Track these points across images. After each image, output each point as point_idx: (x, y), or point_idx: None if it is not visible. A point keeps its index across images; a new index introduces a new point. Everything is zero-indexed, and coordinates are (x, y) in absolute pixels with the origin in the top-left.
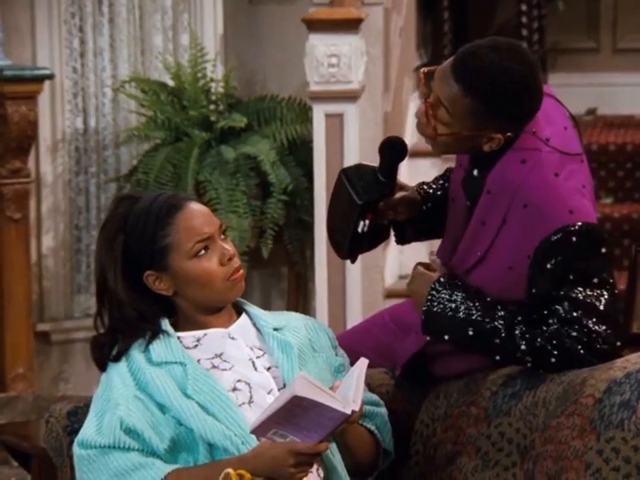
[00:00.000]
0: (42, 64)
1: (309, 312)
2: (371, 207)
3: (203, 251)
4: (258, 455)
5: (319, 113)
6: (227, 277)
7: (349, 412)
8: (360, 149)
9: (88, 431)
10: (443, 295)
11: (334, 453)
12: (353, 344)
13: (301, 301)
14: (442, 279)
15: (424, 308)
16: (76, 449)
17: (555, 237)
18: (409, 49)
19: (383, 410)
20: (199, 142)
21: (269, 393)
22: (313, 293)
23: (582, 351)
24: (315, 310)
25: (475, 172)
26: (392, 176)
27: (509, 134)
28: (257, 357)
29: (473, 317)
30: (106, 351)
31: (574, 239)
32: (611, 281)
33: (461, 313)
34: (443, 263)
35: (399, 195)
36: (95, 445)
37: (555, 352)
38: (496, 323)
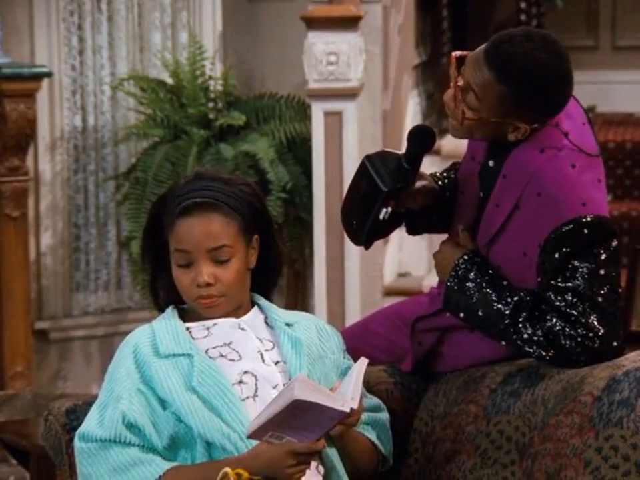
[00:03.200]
0: (40, 62)
1: (308, 310)
2: (395, 194)
3: (182, 262)
4: (255, 455)
5: (317, 111)
6: (194, 299)
7: (347, 410)
8: (359, 147)
9: (90, 423)
10: (463, 273)
11: (334, 459)
12: (354, 342)
13: (299, 299)
14: (466, 257)
15: (447, 283)
16: (77, 442)
17: (567, 228)
18: (408, 47)
19: (384, 415)
20: (198, 140)
21: (274, 388)
22: (312, 291)
23: (578, 351)
24: (313, 308)
25: (491, 163)
26: (417, 164)
27: (535, 125)
28: (266, 350)
29: (485, 299)
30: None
31: (585, 230)
32: (616, 275)
33: (476, 294)
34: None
35: (419, 183)
36: (96, 439)
37: (552, 349)
38: (503, 309)
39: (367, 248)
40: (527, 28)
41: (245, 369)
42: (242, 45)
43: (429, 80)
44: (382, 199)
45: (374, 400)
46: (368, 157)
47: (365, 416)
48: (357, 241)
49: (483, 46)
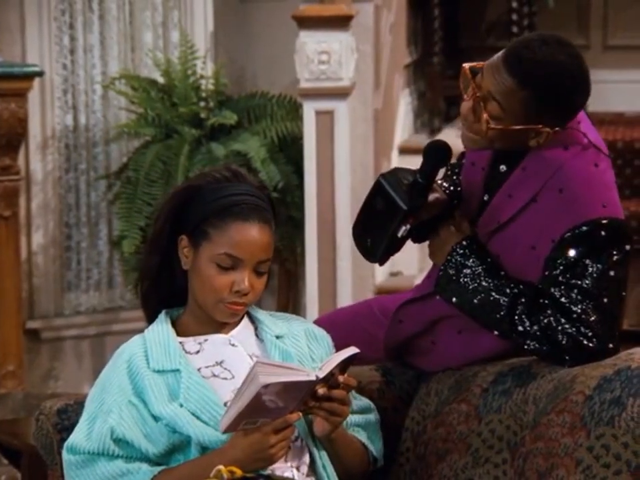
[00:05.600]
0: (32, 61)
1: (300, 309)
2: (414, 211)
3: (226, 265)
4: (235, 445)
5: (309, 110)
6: (223, 301)
7: (313, 378)
8: (350, 146)
9: (78, 436)
10: (461, 259)
11: (324, 461)
12: (341, 338)
13: (291, 298)
14: (465, 242)
15: (441, 267)
16: (64, 454)
17: (585, 228)
18: (400, 46)
19: (374, 416)
20: (189, 139)
21: None
22: (304, 291)
23: (574, 348)
24: (305, 307)
25: (503, 167)
26: (432, 179)
27: (557, 128)
28: None
29: (483, 288)
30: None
31: (603, 232)
32: (624, 278)
33: (473, 281)
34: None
35: (431, 196)
36: (83, 451)
37: (547, 344)
38: (501, 299)
39: (381, 264)
40: (540, 32)
41: (238, 386)
42: (233, 44)
43: (421, 79)
44: (401, 217)
45: (363, 401)
46: (383, 176)
47: (355, 418)
48: (371, 258)
49: (500, 53)
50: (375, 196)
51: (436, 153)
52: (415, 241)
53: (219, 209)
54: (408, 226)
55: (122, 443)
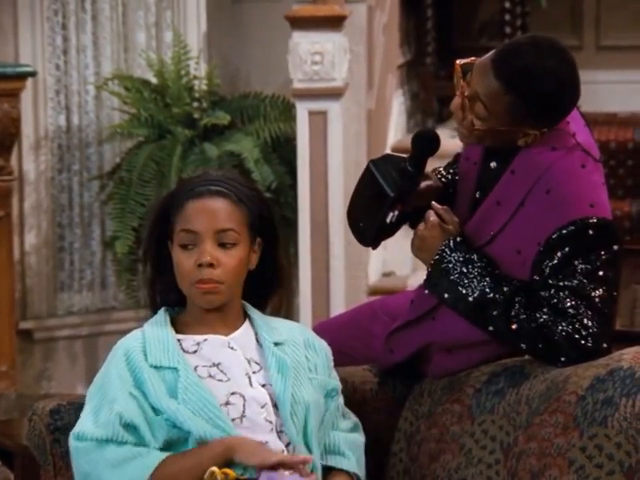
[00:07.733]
0: (24, 61)
1: (293, 310)
2: (402, 198)
3: (190, 246)
4: (243, 440)
5: (302, 111)
6: (193, 282)
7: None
8: (344, 147)
9: (85, 424)
10: (455, 255)
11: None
12: (340, 334)
13: (284, 299)
14: (458, 239)
15: (432, 261)
16: (72, 442)
17: (572, 228)
18: (393, 46)
19: (361, 438)
20: (182, 139)
21: (262, 407)
22: (297, 291)
23: (568, 347)
24: (298, 308)
25: (493, 164)
26: (422, 168)
27: (544, 130)
28: (254, 372)
29: (478, 285)
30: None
31: (590, 232)
32: (614, 278)
33: (468, 278)
34: None
35: (423, 184)
36: (92, 438)
37: (542, 342)
38: (497, 296)
39: (374, 248)
40: (534, 35)
41: (233, 390)
42: (226, 44)
43: (414, 79)
44: (389, 203)
45: (352, 419)
46: (373, 162)
47: (344, 436)
48: (364, 242)
49: (490, 54)
50: (365, 182)
51: (423, 142)
52: (413, 226)
53: (179, 200)
54: (396, 212)
55: (130, 428)
